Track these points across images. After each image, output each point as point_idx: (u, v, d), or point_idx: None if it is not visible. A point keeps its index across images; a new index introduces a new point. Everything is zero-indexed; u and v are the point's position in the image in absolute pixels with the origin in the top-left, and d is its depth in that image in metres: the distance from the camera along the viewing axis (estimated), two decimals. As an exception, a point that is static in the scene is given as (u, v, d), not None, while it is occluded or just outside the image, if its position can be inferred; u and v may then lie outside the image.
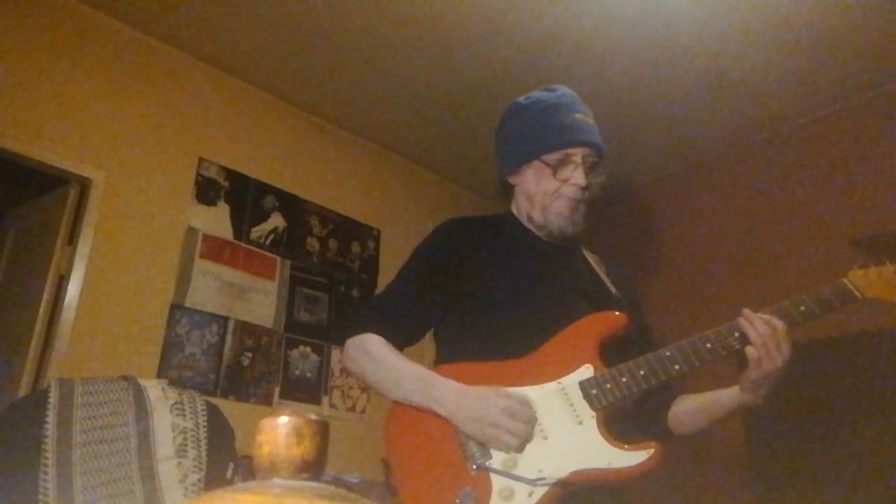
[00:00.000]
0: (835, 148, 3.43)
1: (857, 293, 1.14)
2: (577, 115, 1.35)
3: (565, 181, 1.31)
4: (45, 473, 1.81)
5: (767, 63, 3.17)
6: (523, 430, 1.10)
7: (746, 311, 1.15)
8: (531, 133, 1.36)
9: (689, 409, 1.31)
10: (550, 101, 1.38)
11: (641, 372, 1.14)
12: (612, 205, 4.32)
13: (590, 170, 1.33)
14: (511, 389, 1.14)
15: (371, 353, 1.26)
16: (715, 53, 3.12)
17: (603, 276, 1.40)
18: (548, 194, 1.33)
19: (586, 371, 1.16)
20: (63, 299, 2.67)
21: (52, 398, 1.95)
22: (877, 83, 3.28)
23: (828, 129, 3.48)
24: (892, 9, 2.80)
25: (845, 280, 1.16)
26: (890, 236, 3.03)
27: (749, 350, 1.13)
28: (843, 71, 3.20)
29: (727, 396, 1.23)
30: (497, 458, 1.11)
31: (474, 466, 1.11)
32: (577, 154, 1.32)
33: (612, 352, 1.20)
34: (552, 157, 1.33)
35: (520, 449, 1.10)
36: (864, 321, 2.98)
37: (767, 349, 1.11)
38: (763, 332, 1.12)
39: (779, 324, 1.13)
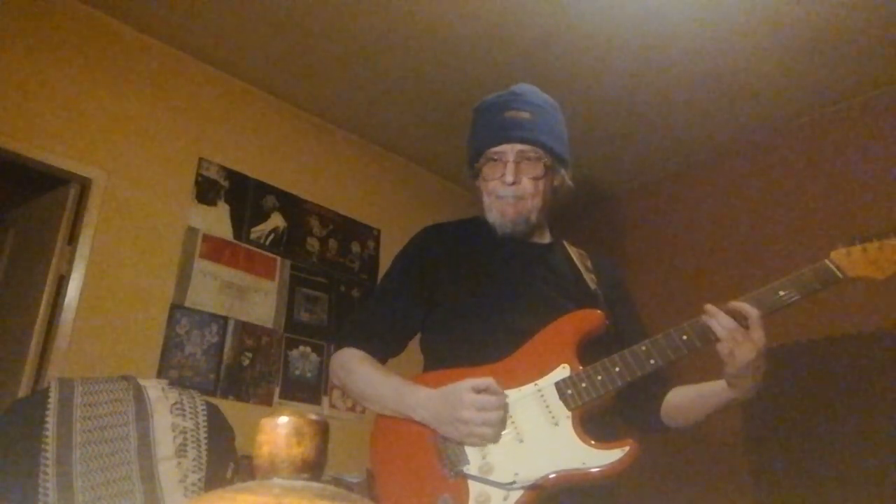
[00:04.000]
0: (835, 148, 3.43)
1: (838, 273, 1.11)
2: (508, 114, 1.34)
3: (498, 180, 1.32)
4: (46, 473, 1.81)
5: (767, 63, 3.17)
6: (495, 418, 1.10)
7: (708, 305, 1.13)
8: (470, 138, 1.41)
9: (681, 402, 1.29)
10: (489, 103, 1.40)
11: (616, 369, 1.13)
12: (610, 205, 4.32)
13: (530, 166, 1.31)
14: (478, 380, 1.13)
15: (351, 368, 1.29)
16: (715, 53, 3.12)
17: (585, 271, 1.38)
18: (490, 196, 1.35)
19: (563, 371, 1.15)
20: (63, 299, 2.67)
21: (52, 398, 1.94)
22: (877, 83, 3.28)
23: (828, 129, 3.48)
24: (892, 9, 2.80)
25: (826, 260, 1.13)
26: (889, 235, 3.02)
27: (718, 345, 1.10)
28: (843, 71, 3.20)
29: (718, 389, 1.20)
30: (474, 464, 1.11)
31: (452, 473, 1.11)
32: (507, 152, 1.31)
33: (598, 349, 1.19)
34: (484, 159, 1.35)
35: (496, 439, 1.10)
36: (864, 321, 2.98)
37: (736, 340, 1.09)
38: (727, 325, 1.10)
39: (749, 311, 1.10)
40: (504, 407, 1.12)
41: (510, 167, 1.30)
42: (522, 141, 1.32)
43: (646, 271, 3.97)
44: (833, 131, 3.46)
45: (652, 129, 3.73)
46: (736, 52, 3.10)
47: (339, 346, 1.35)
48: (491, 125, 1.36)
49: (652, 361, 1.13)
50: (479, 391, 1.12)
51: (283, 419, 0.47)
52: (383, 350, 1.34)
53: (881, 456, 2.81)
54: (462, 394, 1.11)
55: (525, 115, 1.34)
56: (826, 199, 3.38)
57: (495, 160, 1.33)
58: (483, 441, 1.11)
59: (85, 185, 2.86)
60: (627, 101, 3.48)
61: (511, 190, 1.31)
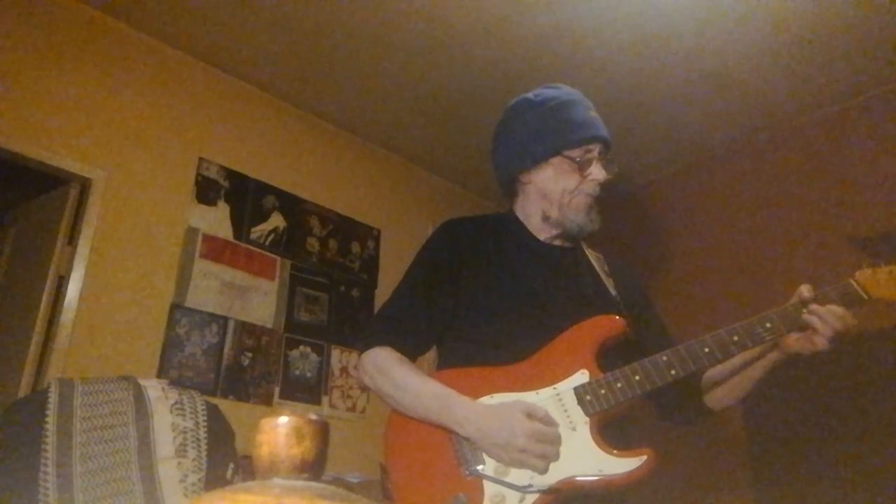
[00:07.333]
0: (835, 148, 3.43)
1: (863, 294, 1.12)
2: (592, 113, 1.35)
3: (586, 177, 1.31)
4: (45, 473, 1.81)
5: (767, 63, 3.17)
6: (551, 452, 1.08)
7: (811, 306, 1.15)
8: (551, 128, 1.33)
9: (723, 379, 1.30)
10: (565, 98, 1.36)
11: (636, 377, 1.13)
12: (610, 205, 4.31)
13: (605, 166, 1.33)
14: (532, 404, 1.12)
15: (387, 370, 1.23)
16: (715, 53, 3.12)
17: (604, 276, 1.38)
18: (567, 192, 1.32)
19: (582, 376, 1.15)
20: (63, 299, 2.67)
21: (52, 398, 1.94)
22: (877, 83, 3.28)
23: (828, 129, 3.48)
24: (892, 9, 2.80)
25: (852, 280, 1.14)
26: (890, 236, 3.03)
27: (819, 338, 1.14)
28: (843, 71, 3.20)
29: (761, 363, 1.23)
30: (490, 464, 1.10)
31: (467, 472, 1.11)
32: (595, 150, 1.32)
33: (618, 355, 1.19)
34: (574, 152, 1.31)
35: (546, 471, 1.08)
36: (864, 321, 2.97)
37: (825, 333, 1.12)
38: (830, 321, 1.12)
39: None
40: (558, 441, 1.09)
41: (600, 165, 1.31)
42: (607, 141, 1.34)
43: (648, 270, 3.96)
44: (833, 131, 3.46)
45: (652, 130, 3.73)
46: (736, 53, 3.10)
47: (369, 345, 1.27)
48: (582, 120, 1.33)
49: (673, 372, 1.13)
50: (531, 417, 1.10)
51: (283, 419, 0.47)
52: (416, 348, 1.29)
53: (881, 456, 2.81)
54: (520, 421, 1.09)
55: (597, 115, 1.36)
56: (820, 202, 3.38)
57: (583, 156, 1.31)
58: (533, 470, 1.08)
59: (85, 185, 2.86)
60: (627, 102, 3.48)
61: (599, 189, 1.32)
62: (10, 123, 2.68)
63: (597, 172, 1.31)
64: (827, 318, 1.11)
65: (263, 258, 3.35)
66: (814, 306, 1.13)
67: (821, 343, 1.12)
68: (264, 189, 3.46)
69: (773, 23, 2.92)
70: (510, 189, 1.43)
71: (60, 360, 2.59)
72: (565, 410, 1.12)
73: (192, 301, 3.02)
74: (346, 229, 3.78)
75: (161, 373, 2.82)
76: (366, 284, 3.77)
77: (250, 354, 3.16)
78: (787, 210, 3.52)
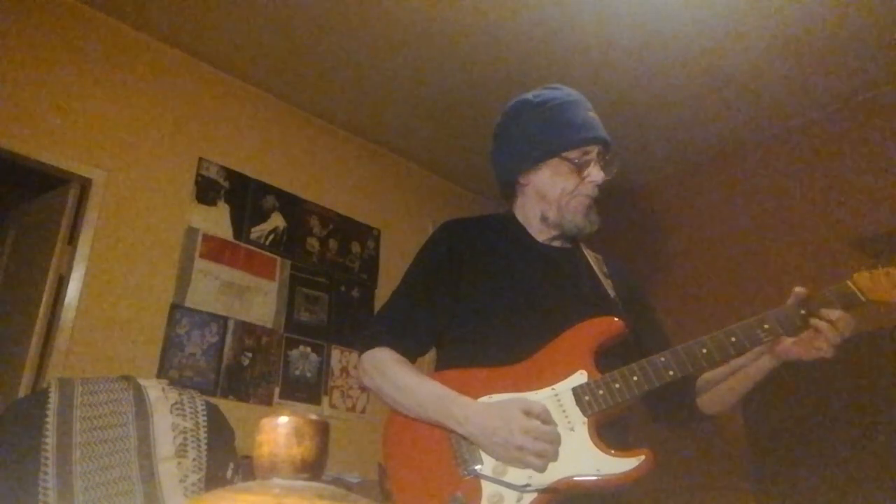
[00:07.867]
0: (835, 148, 3.43)
1: (860, 296, 1.12)
2: (591, 114, 1.35)
3: (584, 179, 1.31)
4: (46, 473, 1.81)
5: (767, 63, 3.17)
6: (550, 451, 1.08)
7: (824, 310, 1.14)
8: (549, 130, 1.33)
9: (719, 390, 1.30)
10: (563, 99, 1.36)
11: (635, 378, 1.13)
12: (610, 205, 4.32)
13: (604, 167, 1.33)
14: (531, 402, 1.12)
15: (386, 371, 1.23)
16: (715, 53, 3.12)
17: (603, 277, 1.38)
18: (565, 193, 1.32)
19: (580, 377, 1.15)
20: (63, 299, 2.67)
21: (52, 398, 1.95)
22: (877, 83, 3.28)
23: (828, 129, 3.48)
24: (891, 10, 2.80)
25: (849, 282, 1.13)
26: (890, 236, 3.03)
27: (795, 340, 1.14)
28: (842, 71, 3.20)
29: (756, 367, 1.23)
30: (488, 464, 1.10)
31: (465, 472, 1.11)
32: (593, 151, 1.32)
33: (617, 356, 1.19)
34: (572, 154, 1.31)
35: (543, 470, 1.08)
36: (864, 321, 2.97)
37: (828, 338, 1.12)
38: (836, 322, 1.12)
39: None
40: (557, 441, 1.09)
41: (598, 167, 1.31)
42: (607, 142, 1.34)
43: (647, 271, 3.96)
44: (833, 131, 3.46)
45: (652, 130, 3.73)
46: (736, 53, 3.10)
47: (368, 346, 1.27)
48: (582, 121, 1.33)
49: (671, 373, 1.13)
50: (529, 415, 1.10)
51: (283, 419, 0.47)
52: (416, 349, 1.29)
53: (881, 456, 2.81)
54: (518, 419, 1.09)
55: (597, 116, 1.36)
56: (820, 202, 3.38)
57: (582, 158, 1.31)
58: (531, 468, 1.08)
59: (85, 185, 2.86)
60: (627, 102, 3.48)
61: (597, 191, 1.32)
62: (9, 123, 2.68)
63: (595, 174, 1.31)
64: (838, 324, 1.11)
65: (263, 258, 3.35)
66: (823, 311, 1.13)
67: (827, 350, 1.12)
68: (264, 189, 3.46)
69: (773, 23, 2.92)
70: (509, 190, 1.43)
71: (60, 360, 2.58)
72: (563, 411, 1.12)
73: (192, 301, 3.02)
74: (346, 229, 3.78)
75: (161, 373, 2.82)
76: (366, 284, 3.77)
77: (250, 354, 3.16)
78: (787, 210, 3.52)
